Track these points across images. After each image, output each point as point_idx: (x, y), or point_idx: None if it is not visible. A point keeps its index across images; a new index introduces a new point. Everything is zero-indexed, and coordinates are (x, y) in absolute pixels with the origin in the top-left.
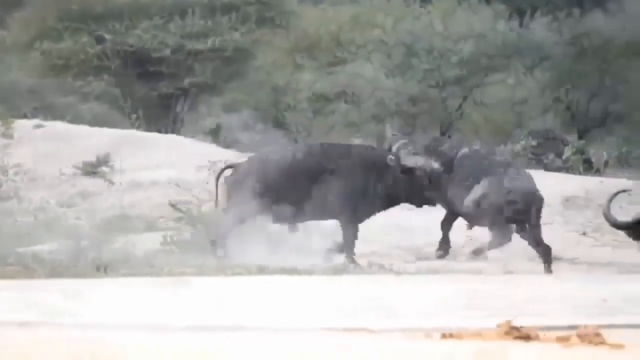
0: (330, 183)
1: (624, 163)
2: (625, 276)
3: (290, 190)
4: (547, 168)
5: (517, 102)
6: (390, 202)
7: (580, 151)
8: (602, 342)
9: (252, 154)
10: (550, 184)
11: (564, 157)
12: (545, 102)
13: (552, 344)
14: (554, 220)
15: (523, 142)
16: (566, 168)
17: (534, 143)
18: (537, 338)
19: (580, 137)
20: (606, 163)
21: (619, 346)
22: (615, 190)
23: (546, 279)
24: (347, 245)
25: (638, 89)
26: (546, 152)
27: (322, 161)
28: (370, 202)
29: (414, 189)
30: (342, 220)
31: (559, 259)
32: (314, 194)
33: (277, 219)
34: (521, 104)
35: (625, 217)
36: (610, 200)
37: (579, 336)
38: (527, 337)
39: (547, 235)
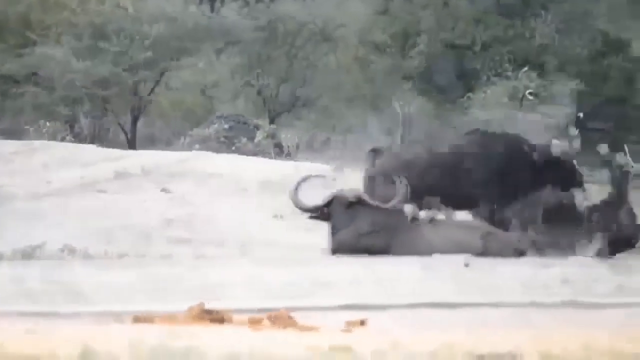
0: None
1: (314, 147)
2: (316, 259)
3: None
4: (240, 152)
5: (208, 86)
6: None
7: (272, 135)
8: (294, 325)
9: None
10: (245, 168)
11: (255, 140)
12: (236, 86)
13: (244, 326)
14: (248, 204)
15: (216, 126)
16: (258, 152)
17: (226, 127)
18: (230, 321)
19: (271, 122)
20: (297, 147)
21: (312, 328)
22: (304, 174)
23: (238, 263)
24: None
25: (325, 74)
26: (238, 136)
27: (464, 154)
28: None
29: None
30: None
31: (254, 242)
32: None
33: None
34: (212, 88)
35: (315, 200)
36: (299, 183)
37: (271, 319)
38: (220, 320)
39: (242, 219)
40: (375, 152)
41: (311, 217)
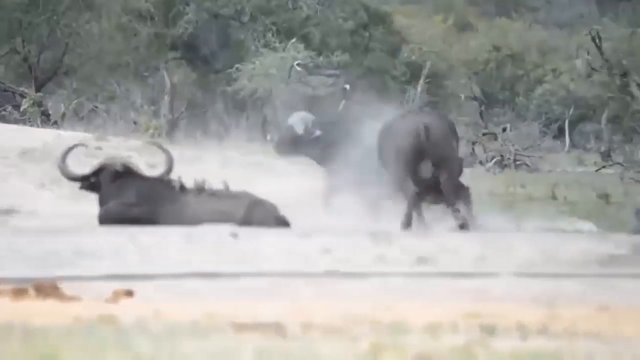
0: None
1: (80, 116)
2: (81, 228)
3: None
4: (5, 120)
5: None
6: None
7: (38, 103)
8: (59, 295)
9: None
10: (7, 136)
11: (21, 109)
12: None
13: (8, 296)
14: (10, 172)
15: None
16: (24, 120)
17: None
18: None
19: (38, 90)
20: (64, 115)
21: (76, 298)
22: (72, 143)
23: (1, 232)
24: None
25: (88, 41)
26: (3, 104)
27: None
28: None
29: None
30: None
31: (16, 211)
32: None
33: None
34: None
35: (81, 169)
36: (66, 152)
37: (37, 288)
38: None
39: (3, 187)
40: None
41: (81, 188)
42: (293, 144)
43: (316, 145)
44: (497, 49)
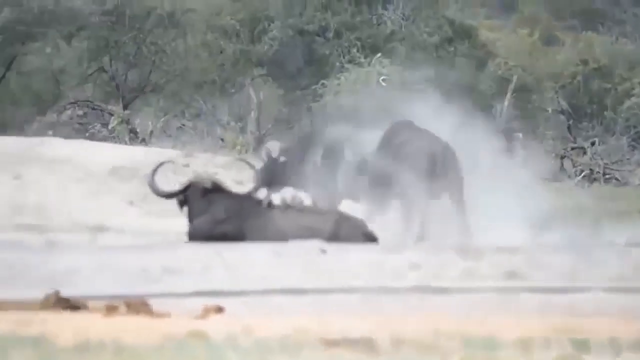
0: None
1: (168, 133)
2: (170, 245)
3: None
4: (93, 138)
5: (56, 72)
6: None
7: (126, 121)
8: (149, 312)
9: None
10: (96, 154)
11: (110, 126)
12: (84, 71)
13: (100, 313)
14: (99, 189)
15: (69, 112)
16: (112, 137)
17: (80, 112)
18: (85, 308)
19: (125, 107)
20: (151, 133)
21: (165, 315)
22: (160, 160)
23: (91, 249)
24: None
25: (174, 59)
26: (92, 122)
27: None
28: None
29: None
30: None
31: (106, 229)
32: None
33: None
34: (60, 73)
35: (170, 186)
36: (155, 169)
37: (127, 305)
38: (75, 308)
39: (93, 204)
40: None
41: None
42: (268, 176)
43: (285, 170)
44: (584, 62)
